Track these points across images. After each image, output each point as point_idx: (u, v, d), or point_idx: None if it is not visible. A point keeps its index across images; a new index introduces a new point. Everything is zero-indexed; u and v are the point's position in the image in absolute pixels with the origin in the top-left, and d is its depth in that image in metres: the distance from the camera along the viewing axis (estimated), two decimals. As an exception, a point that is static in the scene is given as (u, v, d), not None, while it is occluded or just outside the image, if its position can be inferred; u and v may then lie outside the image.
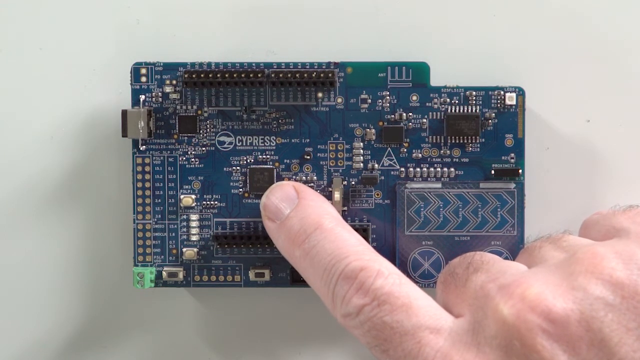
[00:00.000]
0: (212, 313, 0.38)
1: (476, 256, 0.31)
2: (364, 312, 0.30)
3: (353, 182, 0.36)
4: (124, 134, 0.36)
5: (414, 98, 0.36)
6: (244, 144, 0.36)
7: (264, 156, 0.36)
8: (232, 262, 0.37)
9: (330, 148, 0.36)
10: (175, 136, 0.36)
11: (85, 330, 0.38)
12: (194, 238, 0.37)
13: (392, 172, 0.36)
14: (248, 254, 0.37)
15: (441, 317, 0.30)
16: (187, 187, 0.36)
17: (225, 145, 0.36)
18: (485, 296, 0.29)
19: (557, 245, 0.31)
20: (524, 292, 0.28)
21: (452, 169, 0.36)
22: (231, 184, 0.36)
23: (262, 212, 0.35)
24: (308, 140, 0.36)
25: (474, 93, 0.36)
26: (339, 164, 0.36)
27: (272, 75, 0.35)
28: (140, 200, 0.36)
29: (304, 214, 0.33)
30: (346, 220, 0.36)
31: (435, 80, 0.36)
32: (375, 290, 0.30)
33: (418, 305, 0.30)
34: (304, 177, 0.36)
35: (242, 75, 0.35)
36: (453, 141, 0.36)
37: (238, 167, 0.36)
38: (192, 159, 0.36)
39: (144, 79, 0.36)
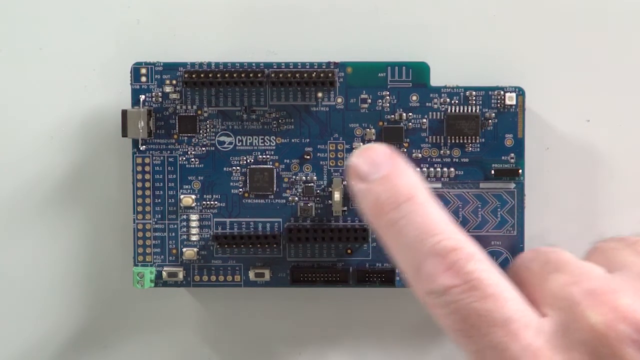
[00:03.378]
0: (212, 313, 0.38)
1: (552, 253, 0.31)
2: (451, 294, 0.29)
3: (353, 182, 0.36)
4: (124, 134, 0.36)
5: (414, 98, 0.36)
6: (244, 144, 0.36)
7: (264, 156, 0.36)
8: (232, 262, 0.37)
9: (330, 148, 0.36)
10: (175, 136, 0.36)
11: (85, 330, 0.38)
12: (193, 238, 0.37)
13: (392, 172, 0.36)
14: (248, 254, 0.37)
15: (528, 313, 0.29)
16: (187, 187, 0.36)
17: (225, 145, 0.36)
18: (569, 299, 0.28)
19: (634, 249, 0.31)
20: (616, 301, 0.28)
21: (452, 169, 0.36)
22: (231, 184, 0.36)
23: (349, 170, 0.33)
24: (308, 140, 0.36)
25: (474, 93, 0.36)
26: (339, 164, 0.36)
27: (272, 75, 0.35)
28: (140, 200, 0.36)
29: (397, 182, 0.32)
30: (346, 221, 0.36)
31: (435, 80, 0.36)
32: (466, 274, 0.29)
33: (506, 297, 0.29)
34: (304, 177, 0.36)
35: (242, 75, 0.36)
36: (453, 141, 0.36)
37: (238, 167, 0.36)
38: (192, 159, 0.36)
39: (144, 78, 0.36)
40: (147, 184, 0.36)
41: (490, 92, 0.36)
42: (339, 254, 0.36)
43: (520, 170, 0.36)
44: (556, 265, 0.30)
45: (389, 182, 0.32)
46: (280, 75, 0.35)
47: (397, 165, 0.32)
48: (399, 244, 0.31)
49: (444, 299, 0.29)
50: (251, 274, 0.36)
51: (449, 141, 0.36)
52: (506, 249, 0.36)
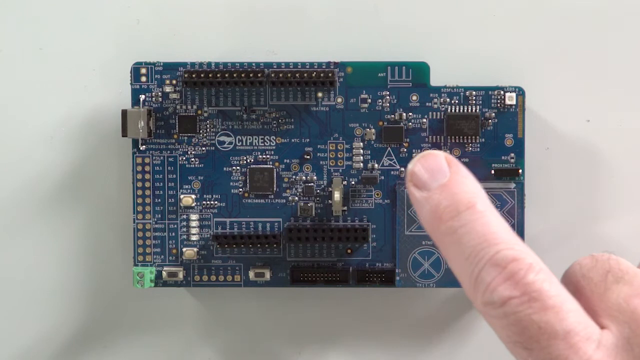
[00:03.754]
0: (212, 313, 0.38)
1: (612, 262, 0.30)
2: (510, 305, 0.28)
3: (353, 182, 0.36)
4: (124, 133, 0.36)
5: (414, 98, 0.36)
6: (244, 144, 0.36)
7: (264, 156, 0.36)
8: (232, 262, 0.37)
9: (330, 148, 0.36)
10: (175, 136, 0.36)
11: (85, 330, 0.38)
12: (193, 238, 0.37)
13: (392, 172, 0.36)
14: (248, 254, 0.37)
15: (589, 325, 0.28)
16: (187, 187, 0.36)
17: (225, 145, 0.36)
18: (633, 312, 0.28)
19: None
20: None
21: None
22: (231, 183, 0.36)
23: (407, 178, 0.32)
24: (308, 140, 0.36)
25: (474, 93, 0.36)
26: (339, 163, 0.36)
27: (272, 75, 0.35)
28: (140, 200, 0.36)
29: (457, 190, 0.31)
30: (346, 221, 0.36)
31: (435, 80, 0.36)
32: (526, 285, 0.28)
33: (568, 308, 0.28)
34: (304, 177, 0.36)
35: (242, 75, 0.36)
36: (453, 141, 0.36)
37: (238, 167, 0.36)
38: (192, 159, 0.36)
39: (144, 78, 0.36)
40: (147, 184, 0.36)
41: (490, 92, 0.36)
42: (339, 254, 0.36)
43: (520, 170, 0.36)
44: (617, 276, 0.29)
45: (449, 190, 0.31)
46: (280, 75, 0.35)
47: (457, 173, 0.32)
48: (457, 253, 0.30)
49: (503, 310, 0.28)
50: (251, 274, 0.36)
51: (449, 141, 0.36)
52: (506, 249, 0.36)
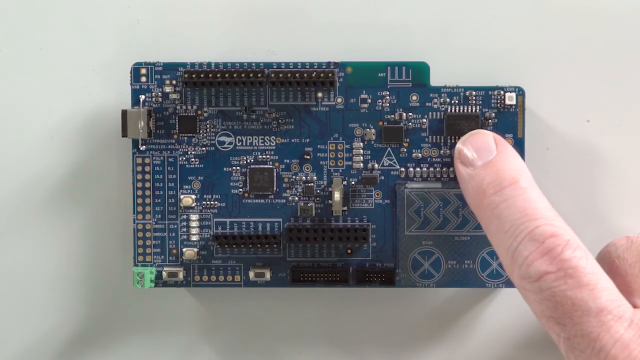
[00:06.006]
0: (212, 313, 0.38)
1: None
2: (546, 280, 0.29)
3: (353, 182, 0.36)
4: (124, 134, 0.36)
5: (414, 98, 0.36)
6: (244, 144, 0.36)
7: (264, 156, 0.36)
8: (232, 262, 0.37)
9: (330, 148, 0.36)
10: (175, 136, 0.36)
11: (85, 330, 0.38)
12: (194, 238, 0.37)
13: (392, 172, 0.36)
14: (248, 254, 0.37)
15: (622, 304, 0.29)
16: (187, 187, 0.36)
17: (225, 145, 0.36)
18: None
19: None
20: None
21: (452, 169, 0.36)
22: (231, 184, 0.36)
23: (455, 155, 0.34)
24: (308, 140, 0.36)
25: (474, 93, 0.36)
26: (339, 164, 0.36)
27: (272, 75, 0.35)
28: (140, 200, 0.36)
29: (501, 167, 0.32)
30: (346, 221, 0.36)
31: (435, 80, 0.36)
32: (563, 261, 0.29)
33: (602, 287, 0.29)
34: (304, 177, 0.36)
35: (242, 75, 0.36)
36: (453, 141, 0.36)
37: (238, 167, 0.36)
38: (192, 159, 0.36)
39: (144, 79, 0.36)
40: (147, 184, 0.36)
41: (490, 92, 0.36)
42: (339, 254, 0.36)
43: (520, 170, 0.36)
44: None
45: (494, 167, 0.32)
46: (280, 75, 0.35)
47: (504, 152, 0.33)
48: (498, 227, 0.31)
49: (538, 284, 0.29)
50: (251, 274, 0.36)
51: (449, 141, 0.36)
52: (506, 249, 0.36)
